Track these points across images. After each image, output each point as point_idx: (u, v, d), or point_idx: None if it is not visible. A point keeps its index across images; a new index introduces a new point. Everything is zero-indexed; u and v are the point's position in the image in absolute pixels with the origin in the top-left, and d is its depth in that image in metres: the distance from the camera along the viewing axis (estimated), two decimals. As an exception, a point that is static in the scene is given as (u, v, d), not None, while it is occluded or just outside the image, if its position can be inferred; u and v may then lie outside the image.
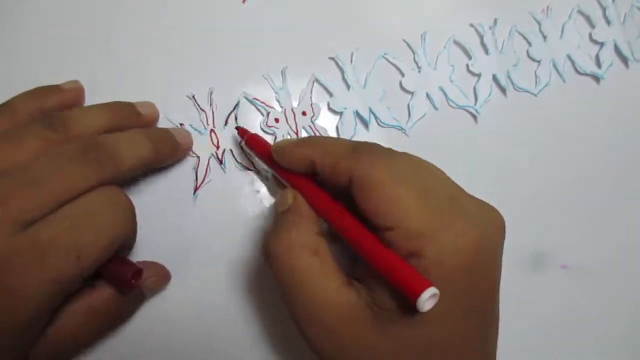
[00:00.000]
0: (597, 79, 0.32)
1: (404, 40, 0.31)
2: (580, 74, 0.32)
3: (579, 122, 0.32)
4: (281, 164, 0.23)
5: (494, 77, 0.31)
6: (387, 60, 0.31)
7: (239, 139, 0.28)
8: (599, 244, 0.31)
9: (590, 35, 0.33)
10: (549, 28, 0.32)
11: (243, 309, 0.28)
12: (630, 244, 0.32)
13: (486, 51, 0.31)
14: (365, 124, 0.30)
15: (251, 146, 0.27)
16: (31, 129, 0.22)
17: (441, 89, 0.31)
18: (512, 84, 0.31)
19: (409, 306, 0.18)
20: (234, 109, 0.29)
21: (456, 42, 0.32)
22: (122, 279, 0.22)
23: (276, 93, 0.30)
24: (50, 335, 0.21)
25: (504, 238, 0.21)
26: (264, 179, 0.29)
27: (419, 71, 0.31)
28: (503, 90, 0.31)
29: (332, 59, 0.31)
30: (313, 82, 0.30)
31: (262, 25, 0.30)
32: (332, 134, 0.30)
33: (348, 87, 0.30)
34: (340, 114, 0.30)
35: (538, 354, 0.30)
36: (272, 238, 0.21)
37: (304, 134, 0.30)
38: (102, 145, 0.22)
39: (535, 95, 0.32)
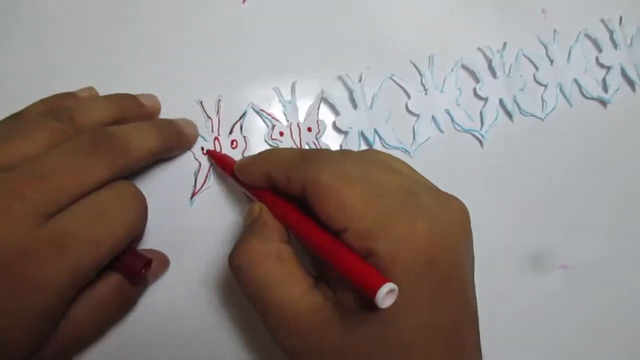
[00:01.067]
0: (604, 103, 0.32)
1: (411, 62, 0.31)
2: (587, 98, 0.32)
3: (586, 147, 0.32)
4: (244, 180, 0.24)
5: (501, 102, 0.31)
6: (393, 81, 0.31)
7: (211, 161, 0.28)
8: (598, 244, 0.31)
9: (597, 58, 0.33)
10: (556, 52, 0.32)
11: (233, 311, 0.28)
12: (630, 244, 0.32)
13: (494, 75, 0.31)
14: (370, 144, 0.30)
15: (221, 166, 0.27)
16: (37, 122, 0.23)
17: (447, 112, 0.31)
18: (519, 108, 0.31)
19: (372, 304, 0.18)
20: (240, 118, 0.29)
21: (464, 66, 0.32)
22: (134, 270, 0.23)
23: (284, 107, 0.30)
24: (62, 327, 0.22)
25: (468, 230, 0.21)
26: None
27: (426, 93, 0.31)
28: (509, 115, 0.31)
29: (340, 78, 0.31)
30: (321, 99, 0.30)
31: (272, 35, 0.31)
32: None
33: (355, 106, 0.30)
34: (346, 133, 0.30)
35: (538, 353, 0.30)
36: (235, 249, 0.22)
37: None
38: (113, 136, 0.23)
39: (542, 120, 0.32)
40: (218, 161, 0.28)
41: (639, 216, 0.32)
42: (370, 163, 0.22)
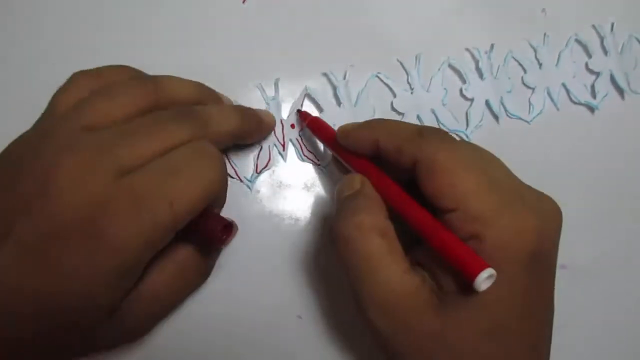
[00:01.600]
0: (591, 109, 0.32)
1: (398, 61, 0.31)
2: (575, 103, 0.32)
3: (571, 152, 0.32)
4: (345, 146, 0.24)
5: (487, 103, 0.31)
6: (380, 79, 0.31)
7: (301, 122, 0.29)
8: (598, 244, 0.31)
9: (586, 64, 0.33)
10: (545, 55, 0.32)
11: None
12: (631, 244, 0.31)
13: (481, 76, 0.31)
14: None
15: (313, 129, 0.27)
16: (122, 85, 0.23)
17: (433, 111, 0.31)
18: (505, 110, 0.31)
19: (469, 289, 0.19)
20: None
21: (451, 66, 0.31)
22: (213, 233, 0.22)
23: (267, 103, 0.29)
24: (142, 292, 0.22)
25: (561, 227, 0.22)
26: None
27: (412, 92, 0.31)
28: (496, 116, 0.31)
29: (325, 74, 0.30)
30: (304, 96, 0.30)
31: (258, 30, 0.31)
32: (319, 149, 0.30)
33: (339, 103, 0.30)
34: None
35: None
36: (342, 221, 0.21)
37: (290, 147, 0.29)
38: (197, 113, 0.23)
39: (529, 123, 0.31)
40: (312, 124, 0.28)
41: (628, 218, 0.32)
42: (478, 152, 0.22)
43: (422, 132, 0.22)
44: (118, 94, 0.22)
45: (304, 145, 0.29)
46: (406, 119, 0.30)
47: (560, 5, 0.33)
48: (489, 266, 0.18)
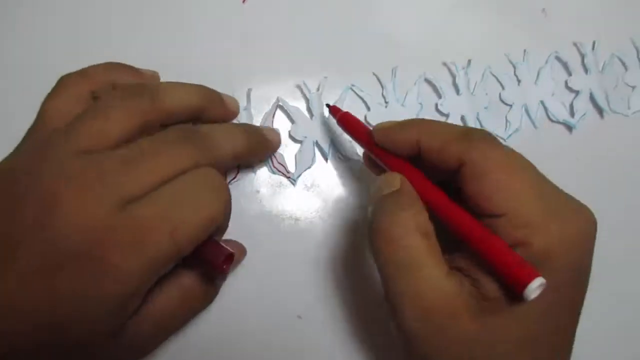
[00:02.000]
0: (569, 127, 0.32)
1: (373, 74, 0.31)
2: (553, 121, 0.32)
3: (548, 171, 0.31)
4: (383, 145, 0.23)
5: (462, 119, 0.30)
6: (354, 92, 0.30)
7: (330, 117, 0.28)
8: (598, 244, 0.30)
9: (566, 82, 0.32)
10: (524, 72, 0.32)
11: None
12: (630, 244, 0.31)
13: (457, 91, 0.31)
14: (325, 155, 0.29)
15: (345, 124, 0.26)
16: (114, 99, 0.22)
17: (406, 126, 0.30)
18: (481, 126, 0.31)
19: (513, 296, 0.18)
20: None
21: (427, 80, 0.31)
22: (215, 263, 0.22)
23: (239, 113, 0.29)
24: (146, 315, 0.21)
25: (596, 235, 0.21)
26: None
27: (386, 106, 0.30)
28: (470, 132, 0.31)
29: (298, 86, 0.30)
30: (276, 107, 0.30)
31: (258, 30, 0.31)
32: (291, 161, 0.29)
33: (311, 116, 0.30)
34: (300, 142, 0.29)
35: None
36: (384, 218, 0.21)
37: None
38: (202, 135, 0.23)
39: (505, 140, 0.31)
40: (343, 119, 0.26)
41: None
42: (524, 158, 0.21)
43: (470, 134, 0.21)
44: (113, 110, 0.22)
45: (274, 157, 0.29)
46: (379, 133, 0.30)
47: (542, 23, 0.33)
48: (539, 275, 0.18)
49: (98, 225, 0.19)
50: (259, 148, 0.27)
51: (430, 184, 0.22)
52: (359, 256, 0.29)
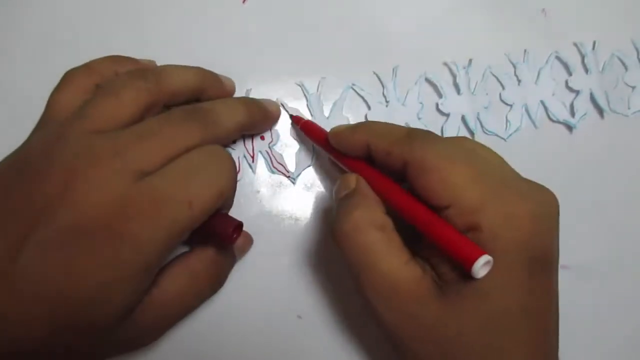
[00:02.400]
0: (570, 127, 0.32)
1: (374, 73, 0.31)
2: (553, 121, 0.32)
3: (548, 170, 0.31)
4: (338, 148, 0.25)
5: (463, 118, 0.30)
6: (355, 91, 0.30)
7: (293, 126, 0.29)
8: (598, 244, 0.30)
9: (566, 82, 0.32)
10: (525, 72, 0.32)
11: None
12: (631, 244, 0.31)
13: (458, 91, 0.31)
14: (318, 153, 0.29)
15: (306, 132, 0.28)
16: (123, 81, 0.23)
17: (407, 125, 0.30)
18: (482, 126, 0.31)
19: (470, 278, 0.19)
20: None
21: (428, 80, 0.31)
22: (225, 232, 0.23)
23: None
24: (154, 299, 0.22)
25: (558, 220, 0.22)
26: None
27: (387, 105, 0.30)
28: (472, 132, 0.30)
29: (299, 85, 0.30)
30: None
31: (258, 30, 0.31)
32: (290, 161, 0.29)
33: (311, 115, 0.29)
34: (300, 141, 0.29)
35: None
36: (340, 219, 0.22)
37: (260, 159, 0.29)
38: (206, 110, 0.24)
39: (505, 140, 0.31)
40: (305, 127, 0.28)
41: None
42: (467, 147, 0.22)
43: (410, 134, 0.22)
44: (123, 91, 0.23)
45: (274, 157, 0.29)
46: (380, 133, 0.30)
47: (542, 23, 0.33)
48: (484, 253, 0.19)
49: (117, 197, 0.20)
50: (260, 118, 0.27)
51: (384, 179, 0.23)
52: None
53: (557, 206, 0.22)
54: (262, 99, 0.29)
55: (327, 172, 0.30)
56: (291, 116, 0.29)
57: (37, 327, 0.19)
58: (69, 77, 0.25)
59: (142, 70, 0.24)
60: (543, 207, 0.21)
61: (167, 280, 0.23)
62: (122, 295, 0.20)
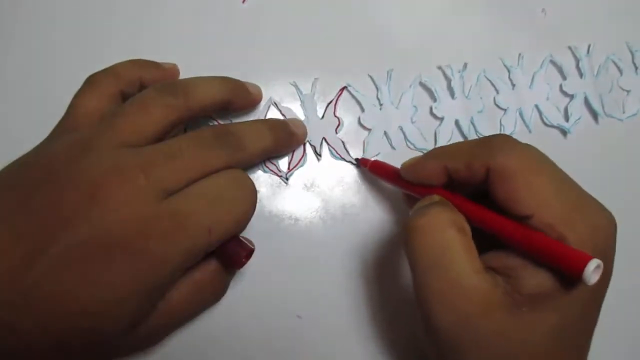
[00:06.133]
0: (564, 132, 0.32)
1: (369, 76, 0.30)
2: (547, 125, 0.32)
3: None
4: (414, 180, 0.24)
5: (457, 123, 0.30)
6: (349, 92, 0.30)
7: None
8: None
9: (560, 86, 0.32)
10: (519, 76, 0.32)
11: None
12: (625, 248, 0.30)
13: (452, 95, 0.31)
14: (317, 154, 0.29)
15: (376, 172, 0.28)
16: (153, 97, 0.23)
17: (400, 128, 0.30)
18: (475, 130, 0.31)
19: (549, 289, 0.20)
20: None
21: (422, 83, 0.31)
22: (237, 258, 0.23)
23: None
24: (159, 307, 0.22)
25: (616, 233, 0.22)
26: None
27: (380, 108, 0.30)
28: (465, 136, 0.30)
29: (293, 85, 0.30)
30: (268, 107, 0.29)
31: (258, 30, 0.31)
32: (284, 163, 0.29)
33: (305, 115, 0.29)
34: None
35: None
36: (421, 216, 0.21)
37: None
38: (233, 134, 0.24)
39: (499, 143, 0.31)
40: (374, 168, 0.28)
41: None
42: (545, 156, 0.22)
43: (488, 141, 0.22)
44: (153, 107, 0.23)
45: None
46: (373, 135, 0.30)
47: (536, 27, 0.33)
48: (593, 257, 0.18)
49: (140, 214, 0.20)
50: (285, 144, 0.28)
51: (467, 200, 0.22)
52: (359, 256, 0.29)
53: (616, 224, 0.22)
54: (289, 119, 0.29)
55: (328, 173, 0.30)
56: (357, 159, 0.29)
57: (45, 337, 0.19)
58: (93, 81, 0.25)
59: (171, 86, 0.24)
60: (612, 225, 0.21)
61: (172, 291, 0.22)
62: (133, 310, 0.20)
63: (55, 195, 0.20)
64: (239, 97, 0.26)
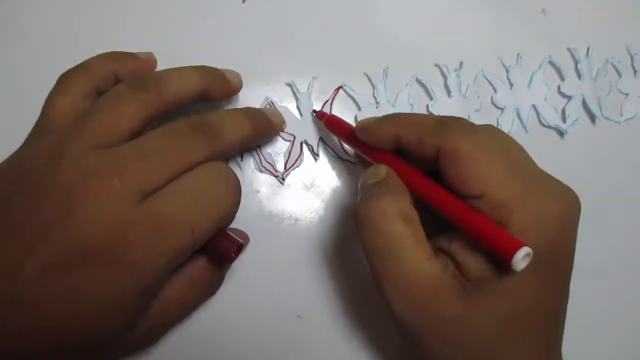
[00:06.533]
0: (561, 132, 0.31)
1: (365, 74, 0.30)
2: (544, 126, 0.31)
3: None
4: (366, 141, 0.24)
5: (453, 121, 0.30)
6: (345, 91, 0.30)
7: (318, 121, 0.29)
8: (587, 249, 0.30)
9: (558, 87, 0.32)
10: (517, 76, 0.32)
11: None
12: (620, 249, 0.31)
13: (448, 93, 0.31)
14: (314, 154, 0.29)
15: (331, 127, 0.27)
16: (125, 93, 0.22)
17: (397, 127, 0.30)
18: (472, 129, 0.30)
19: (495, 274, 0.20)
20: None
21: (418, 81, 0.31)
22: (226, 253, 0.22)
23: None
24: (153, 306, 0.22)
25: (579, 216, 0.22)
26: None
27: (377, 107, 0.30)
28: (461, 134, 0.30)
29: (289, 84, 0.30)
30: (266, 106, 0.29)
31: (258, 30, 0.31)
32: (280, 161, 0.29)
33: (301, 114, 0.29)
34: (290, 141, 0.29)
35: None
36: (366, 205, 0.21)
37: (248, 158, 0.29)
38: (210, 124, 0.23)
39: (496, 143, 0.31)
40: (329, 122, 0.27)
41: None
42: (500, 138, 0.22)
43: (444, 122, 0.22)
44: (123, 104, 0.22)
45: (262, 156, 0.29)
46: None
47: (536, 28, 0.33)
48: (525, 244, 0.18)
49: (118, 220, 0.19)
50: (263, 132, 0.27)
51: (415, 171, 0.22)
52: (359, 256, 0.29)
53: (580, 205, 0.22)
54: (266, 108, 0.28)
55: (327, 173, 0.30)
56: (314, 111, 0.29)
57: (36, 345, 0.19)
58: (65, 79, 0.24)
59: (143, 80, 0.23)
60: (570, 208, 0.21)
61: (166, 288, 0.22)
62: (121, 314, 0.20)
63: (31, 206, 0.19)
64: (216, 87, 0.25)
